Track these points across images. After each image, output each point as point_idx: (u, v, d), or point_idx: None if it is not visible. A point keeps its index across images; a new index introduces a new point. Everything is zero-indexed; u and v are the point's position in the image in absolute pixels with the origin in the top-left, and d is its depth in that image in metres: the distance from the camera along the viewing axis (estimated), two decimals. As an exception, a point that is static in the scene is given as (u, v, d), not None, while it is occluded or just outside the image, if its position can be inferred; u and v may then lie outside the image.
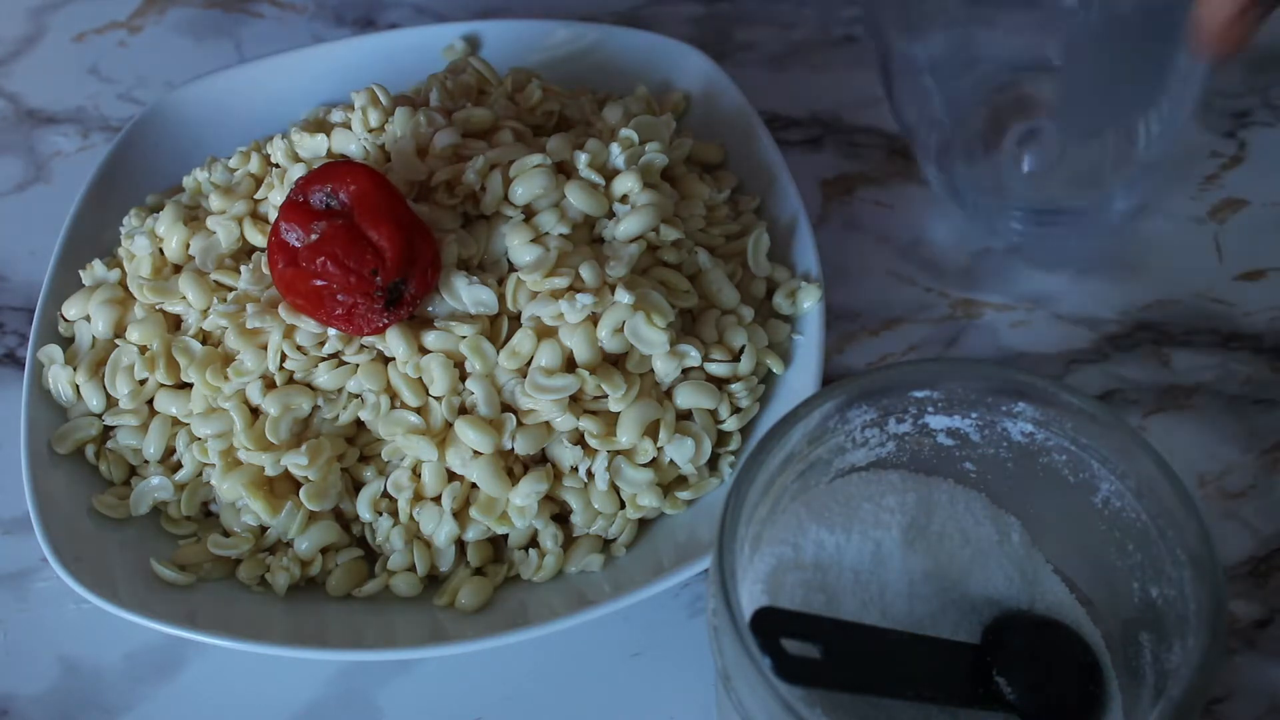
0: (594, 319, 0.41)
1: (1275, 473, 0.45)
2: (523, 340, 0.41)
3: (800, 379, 0.44)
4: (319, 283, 0.40)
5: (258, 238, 0.45)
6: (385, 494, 0.42)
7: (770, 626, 0.29)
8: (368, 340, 0.42)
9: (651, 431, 0.41)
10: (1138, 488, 0.32)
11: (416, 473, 0.41)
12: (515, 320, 0.42)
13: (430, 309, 0.42)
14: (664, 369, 0.42)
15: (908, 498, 0.36)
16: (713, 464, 0.43)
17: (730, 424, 0.43)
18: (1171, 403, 0.47)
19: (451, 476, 0.41)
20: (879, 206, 0.53)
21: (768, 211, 0.48)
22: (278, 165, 0.47)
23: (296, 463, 0.41)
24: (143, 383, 0.43)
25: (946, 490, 0.36)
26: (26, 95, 0.60)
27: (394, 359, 0.42)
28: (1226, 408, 0.46)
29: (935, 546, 0.35)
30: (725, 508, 0.31)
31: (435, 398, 0.41)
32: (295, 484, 0.42)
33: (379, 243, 0.39)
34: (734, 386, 0.43)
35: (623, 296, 0.41)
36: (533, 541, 0.42)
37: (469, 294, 0.42)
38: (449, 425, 0.41)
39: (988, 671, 0.32)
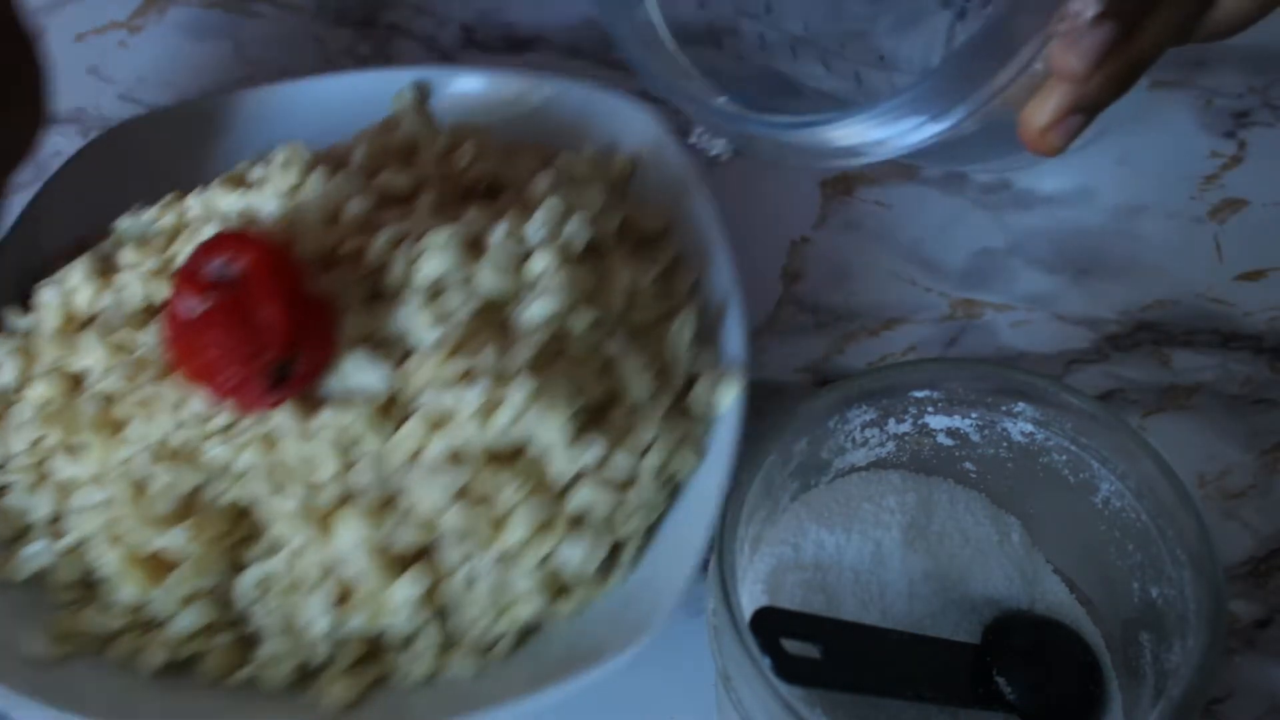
0: (490, 408, 0.38)
1: (1275, 473, 0.45)
2: (415, 427, 0.38)
3: (710, 480, 0.40)
4: (208, 356, 0.38)
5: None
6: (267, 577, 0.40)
7: (770, 626, 0.29)
8: (259, 416, 0.39)
9: (543, 530, 0.38)
10: (1138, 488, 0.32)
11: (298, 558, 0.39)
12: (412, 404, 0.39)
13: (325, 387, 0.40)
14: (561, 465, 0.39)
15: (908, 498, 0.36)
16: (608, 567, 0.39)
17: (629, 526, 0.39)
18: (1171, 403, 0.47)
19: (332, 566, 0.39)
20: (879, 206, 0.53)
21: (703, 289, 0.44)
22: (194, 221, 0.44)
23: (175, 541, 0.39)
24: (40, 441, 0.41)
25: (946, 490, 0.36)
26: (26, 95, 0.60)
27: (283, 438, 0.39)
28: (1226, 408, 0.46)
29: (935, 546, 0.35)
30: (725, 508, 0.31)
31: (322, 481, 0.39)
32: (178, 560, 0.40)
33: (267, 321, 0.38)
34: (637, 485, 0.39)
35: (521, 387, 0.38)
36: (412, 639, 0.39)
37: (364, 375, 0.39)
38: (333, 511, 0.39)
39: (988, 671, 0.32)
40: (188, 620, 0.39)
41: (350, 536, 0.38)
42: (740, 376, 0.41)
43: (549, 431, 0.38)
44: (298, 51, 0.60)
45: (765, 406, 0.48)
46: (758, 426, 0.47)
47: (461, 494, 0.38)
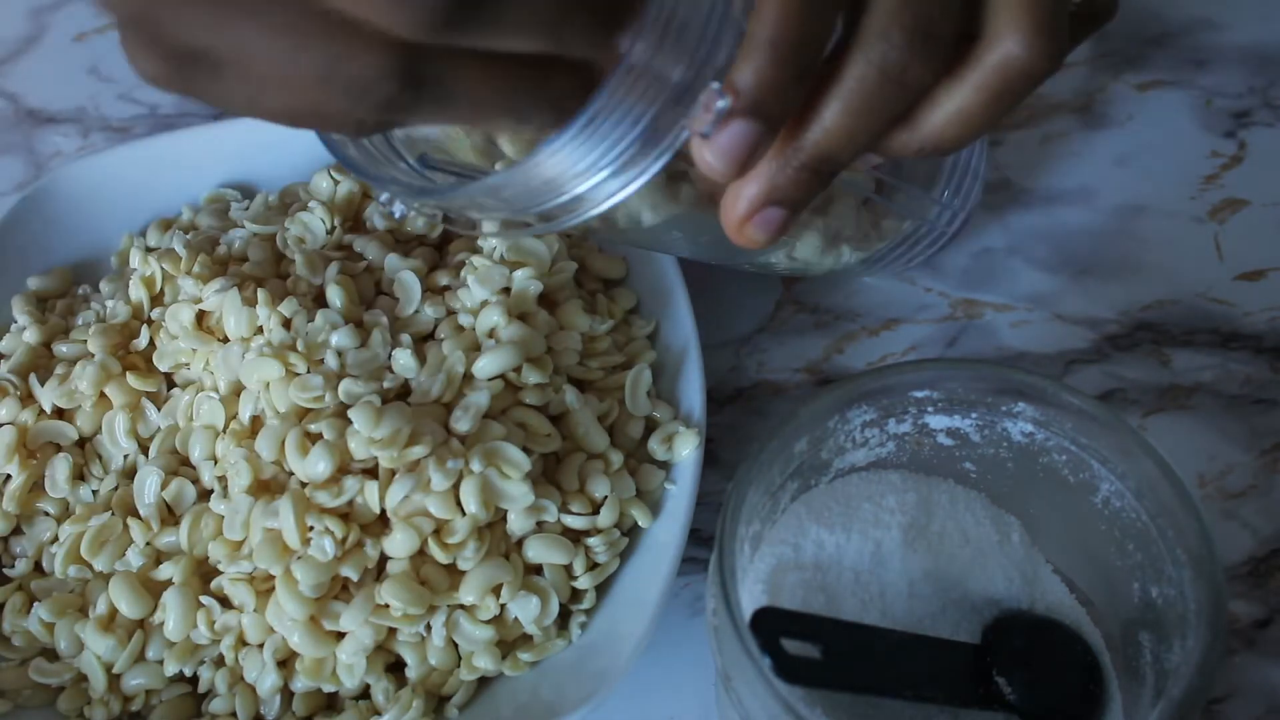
0: (455, 490, 0.37)
1: (1275, 473, 0.45)
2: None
3: (666, 533, 0.39)
4: None
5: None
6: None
7: (770, 626, 0.29)
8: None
9: (496, 586, 0.38)
10: (1138, 488, 0.32)
11: (245, 618, 0.39)
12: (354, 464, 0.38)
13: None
14: (517, 524, 0.38)
15: (908, 498, 0.36)
16: (563, 622, 0.39)
17: (584, 581, 0.39)
18: (1171, 403, 0.47)
19: (275, 629, 0.38)
20: (879, 206, 0.53)
21: (662, 337, 0.44)
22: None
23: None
24: (6, 480, 0.41)
25: (946, 490, 0.36)
26: (26, 95, 0.60)
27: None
28: (1226, 408, 0.46)
29: (935, 546, 0.35)
30: (725, 507, 0.31)
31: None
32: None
33: None
34: (592, 540, 0.39)
35: (475, 465, 0.37)
36: (367, 691, 0.38)
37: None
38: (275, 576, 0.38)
39: (988, 671, 0.32)
40: (141, 677, 0.38)
41: (288, 610, 0.37)
42: (698, 427, 0.41)
43: (512, 491, 0.37)
44: (298, 51, 0.60)
45: (765, 406, 0.48)
46: (757, 426, 0.47)
47: (419, 554, 0.37)
